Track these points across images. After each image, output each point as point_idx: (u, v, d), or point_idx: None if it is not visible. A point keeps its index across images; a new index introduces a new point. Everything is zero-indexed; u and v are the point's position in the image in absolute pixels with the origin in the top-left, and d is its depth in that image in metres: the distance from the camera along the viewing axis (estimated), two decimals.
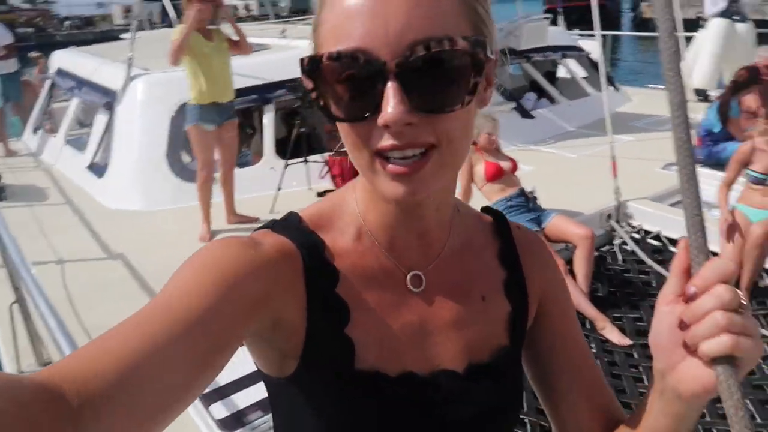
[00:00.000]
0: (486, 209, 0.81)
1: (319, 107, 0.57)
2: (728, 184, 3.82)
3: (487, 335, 0.72)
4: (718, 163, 5.15)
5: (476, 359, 0.70)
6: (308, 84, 0.57)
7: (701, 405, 0.59)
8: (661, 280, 3.81)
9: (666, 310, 0.56)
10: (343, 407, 0.65)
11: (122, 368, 0.46)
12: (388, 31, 0.52)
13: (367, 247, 0.68)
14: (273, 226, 0.67)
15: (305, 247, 0.64)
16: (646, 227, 4.40)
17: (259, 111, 6.19)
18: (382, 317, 0.67)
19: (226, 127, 4.40)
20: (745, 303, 0.51)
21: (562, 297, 0.81)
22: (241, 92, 5.49)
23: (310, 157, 5.12)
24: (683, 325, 0.54)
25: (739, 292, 0.52)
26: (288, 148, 5.01)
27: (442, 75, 0.54)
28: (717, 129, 5.34)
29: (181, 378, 0.51)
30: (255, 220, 4.66)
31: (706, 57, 7.21)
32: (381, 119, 0.53)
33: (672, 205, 4.75)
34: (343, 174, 5.17)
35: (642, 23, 30.91)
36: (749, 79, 5.33)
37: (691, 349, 0.54)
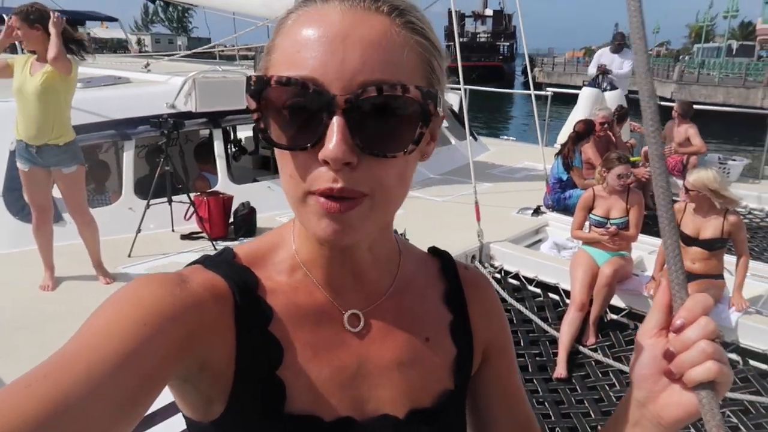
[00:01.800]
0: (433, 249, 0.79)
1: (259, 130, 0.55)
2: (578, 228, 4.20)
3: (429, 378, 0.69)
4: (566, 209, 5.69)
5: (417, 404, 0.67)
6: (251, 104, 0.54)
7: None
8: (521, 316, 4.07)
9: (649, 343, 0.60)
10: None
11: (24, 430, 0.43)
12: (343, 67, 0.51)
13: (302, 284, 0.65)
14: (204, 261, 0.64)
15: (237, 284, 0.61)
16: (506, 267, 4.68)
17: (118, 147, 5.79)
18: (318, 358, 0.63)
19: (56, 173, 3.80)
20: (721, 334, 0.56)
21: (507, 343, 0.79)
22: (97, 127, 5.12)
23: (175, 198, 4.84)
24: (668, 355, 0.57)
25: (715, 323, 0.57)
26: (150, 188, 4.70)
27: (389, 119, 0.53)
28: (565, 177, 5.91)
29: (97, 430, 0.47)
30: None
31: (571, 118, 8.03)
32: (321, 154, 0.52)
33: (528, 246, 5.13)
34: (211, 216, 4.96)
35: (537, 86, 35.28)
36: (585, 131, 6.00)
37: (674, 377, 0.57)
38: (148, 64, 7.02)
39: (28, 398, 0.44)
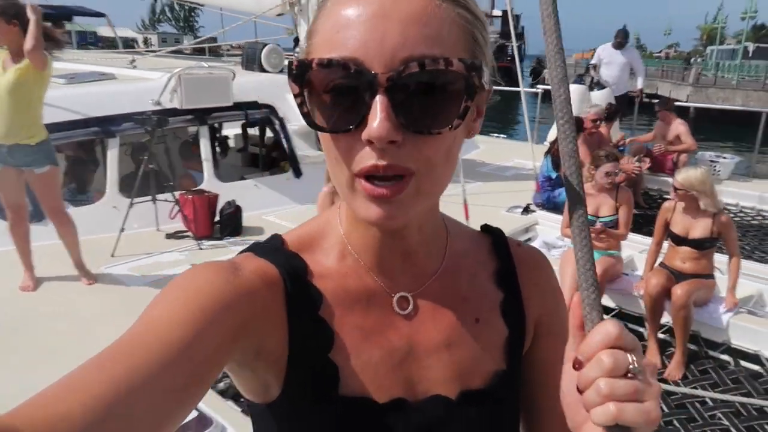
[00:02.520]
0: (485, 227, 0.77)
1: (303, 115, 0.55)
2: (568, 226, 4.15)
3: (481, 359, 0.68)
4: (556, 207, 5.65)
5: (469, 384, 0.67)
6: (294, 89, 0.54)
7: None
8: None
9: (567, 372, 0.55)
10: None
11: (95, 409, 0.44)
12: (383, 45, 0.51)
13: (352, 269, 0.65)
14: (255, 249, 0.65)
15: (287, 270, 0.62)
16: None
17: (102, 144, 5.69)
18: (368, 341, 0.64)
19: (28, 174, 3.67)
20: (635, 366, 0.48)
21: (559, 324, 0.74)
22: (81, 124, 5.03)
23: (160, 196, 4.76)
24: (578, 390, 0.51)
25: (629, 356, 0.49)
26: (134, 186, 4.61)
27: (433, 95, 0.52)
28: (554, 175, 5.87)
29: (157, 414, 0.48)
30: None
31: None
32: (365, 133, 0.51)
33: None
34: (196, 214, 4.88)
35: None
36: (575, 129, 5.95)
37: None
38: (133, 60, 6.92)
39: (99, 379, 0.46)
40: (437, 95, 0.52)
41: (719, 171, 7.19)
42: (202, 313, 0.53)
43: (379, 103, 0.50)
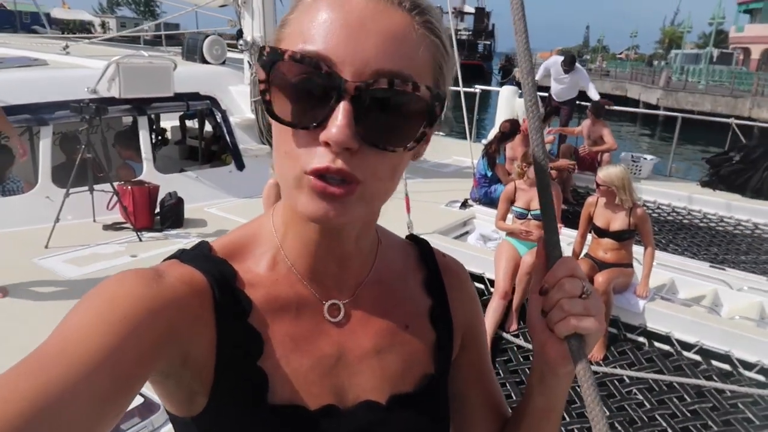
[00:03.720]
0: (411, 237, 0.80)
1: (264, 102, 0.55)
2: (502, 219, 4.40)
3: (410, 364, 0.70)
4: (492, 202, 5.91)
5: (399, 389, 0.68)
6: (261, 74, 0.54)
7: (567, 376, 0.67)
8: None
9: (533, 301, 0.66)
10: None
11: (11, 428, 0.43)
12: (357, 53, 0.51)
13: (283, 275, 0.65)
14: (180, 255, 0.63)
15: (215, 277, 0.61)
16: None
17: (31, 133, 5.47)
18: (298, 348, 0.64)
19: None
20: (586, 289, 0.62)
21: (481, 328, 0.82)
22: (9, 111, 4.82)
23: (97, 186, 4.66)
24: (544, 313, 0.64)
25: (582, 282, 0.63)
26: (70, 176, 4.49)
27: (395, 114, 0.53)
28: (490, 173, 6.13)
29: (79, 428, 0.47)
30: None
31: (497, 117, 8.29)
32: (324, 135, 0.52)
33: (456, 237, 5.30)
34: (135, 205, 4.81)
35: (517, 85, 36.69)
36: (511, 130, 6.26)
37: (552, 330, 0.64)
38: (67, 47, 6.67)
39: (9, 395, 0.44)
40: (399, 115, 0.54)
41: (640, 170, 7.70)
42: (123, 321, 0.52)
43: (342, 108, 0.51)
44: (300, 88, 0.53)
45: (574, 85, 8.11)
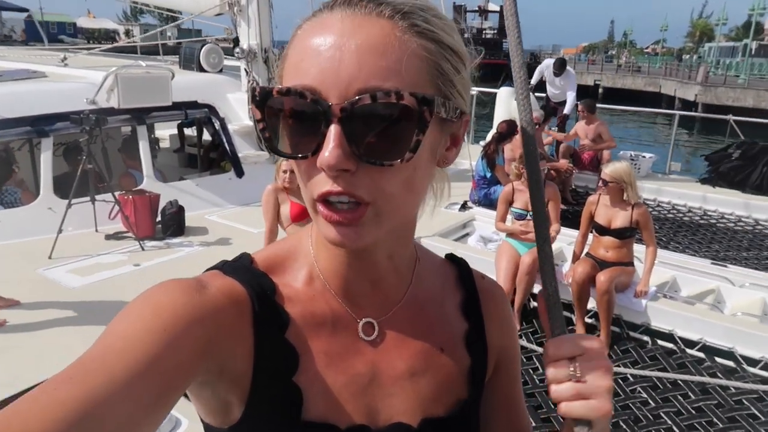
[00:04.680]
0: (450, 257, 0.79)
1: (264, 140, 0.57)
2: (501, 220, 4.41)
3: (444, 388, 0.69)
4: (491, 204, 5.92)
5: (431, 413, 0.67)
6: (257, 114, 0.56)
7: None
8: None
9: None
10: None
11: (51, 431, 0.43)
12: (339, 75, 0.52)
13: (319, 292, 0.66)
14: (223, 267, 0.64)
15: (255, 290, 0.61)
16: None
17: (32, 145, 5.50)
18: (332, 366, 0.64)
19: None
20: (574, 373, 0.61)
21: (516, 354, 0.81)
22: (9, 123, 4.85)
23: (98, 197, 4.67)
24: None
25: (571, 365, 0.61)
26: (72, 187, 4.51)
27: (383, 128, 0.53)
28: (489, 174, 6.15)
29: None
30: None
31: (495, 118, 8.31)
32: (319, 161, 0.52)
33: (456, 240, 5.32)
34: (137, 214, 4.83)
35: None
36: (508, 131, 6.27)
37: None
38: (65, 58, 6.70)
39: (54, 401, 0.45)
40: (389, 128, 0.53)
41: (638, 168, 7.71)
42: (164, 331, 0.53)
43: (332, 132, 0.51)
44: (292, 120, 0.54)
45: (563, 89, 8.21)
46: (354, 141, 0.52)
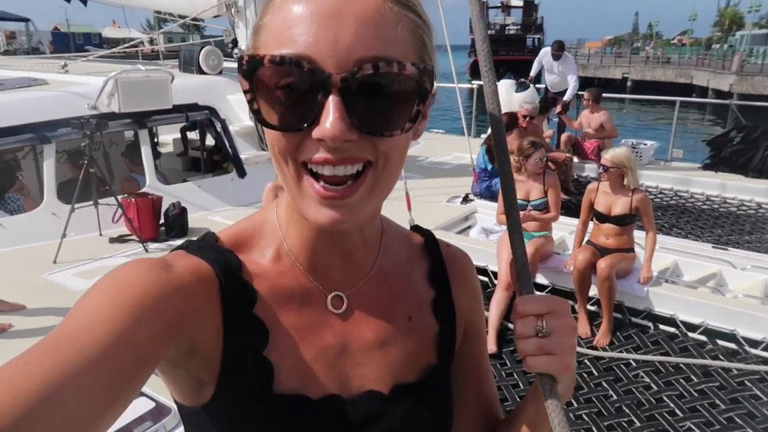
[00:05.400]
0: (416, 228, 0.80)
1: (253, 111, 0.54)
2: (502, 212, 4.41)
3: (413, 355, 0.70)
4: (493, 196, 5.93)
5: (402, 379, 0.69)
6: (244, 85, 0.54)
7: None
8: None
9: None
10: None
11: (26, 404, 0.44)
12: (337, 44, 0.50)
13: (287, 267, 0.66)
14: (188, 246, 0.64)
15: (221, 267, 0.62)
16: None
17: (35, 151, 5.56)
18: (303, 339, 0.64)
19: None
20: (542, 329, 0.63)
21: (482, 323, 0.82)
22: (12, 131, 4.91)
23: (101, 200, 4.72)
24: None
25: (539, 321, 0.64)
26: (75, 191, 4.56)
27: (386, 97, 0.53)
28: (490, 167, 6.16)
29: (88, 412, 0.48)
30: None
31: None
32: (317, 132, 0.51)
33: (458, 232, 5.33)
34: (140, 217, 4.88)
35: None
36: (509, 123, 6.28)
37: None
38: (65, 65, 6.76)
39: (26, 375, 0.46)
40: (390, 98, 0.53)
41: (640, 155, 7.70)
42: (132, 308, 0.52)
43: (332, 103, 0.50)
44: (285, 90, 0.52)
45: (562, 75, 8.11)
46: (355, 112, 0.51)
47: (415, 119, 0.55)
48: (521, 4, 52.52)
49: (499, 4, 53.73)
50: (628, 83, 33.53)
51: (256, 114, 0.54)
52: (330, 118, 0.50)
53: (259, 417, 0.61)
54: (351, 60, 0.50)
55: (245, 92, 0.54)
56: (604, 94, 7.87)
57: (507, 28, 50.76)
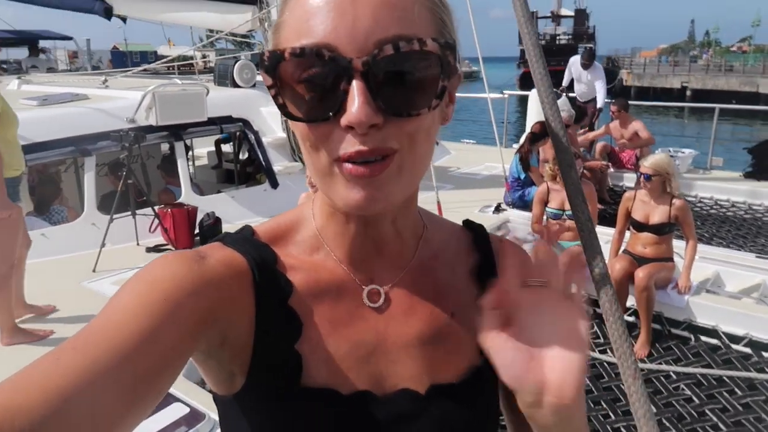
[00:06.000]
0: (467, 222, 0.77)
1: (279, 106, 0.55)
2: (537, 221, 4.37)
3: (454, 354, 0.67)
4: (526, 205, 5.86)
5: (440, 379, 0.65)
6: (267, 80, 0.54)
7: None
8: None
9: (499, 342, 0.56)
10: (289, 426, 0.61)
11: (55, 400, 0.44)
12: (355, 29, 0.50)
13: (323, 260, 0.66)
14: (223, 239, 0.65)
15: (255, 260, 0.62)
16: None
17: (77, 164, 5.73)
18: (336, 333, 0.63)
19: None
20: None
21: None
22: (56, 144, 5.09)
23: (139, 211, 4.84)
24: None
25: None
26: (114, 202, 4.69)
27: (410, 76, 0.52)
28: (523, 176, 6.10)
29: (122, 404, 0.48)
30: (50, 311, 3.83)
31: (528, 121, 8.24)
32: (345, 119, 0.51)
33: None
34: (176, 227, 4.97)
35: (626, 89, 34.02)
36: (542, 132, 6.21)
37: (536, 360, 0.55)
38: (105, 80, 6.98)
39: (55, 371, 0.46)
40: (414, 76, 0.52)
41: (678, 164, 7.51)
42: (165, 302, 0.53)
43: (356, 88, 0.50)
44: (308, 81, 0.52)
45: (591, 84, 8.01)
46: (379, 94, 0.51)
47: (441, 95, 0.54)
48: (572, 13, 51.07)
49: (549, 14, 52.59)
50: (688, 92, 32.81)
51: (282, 108, 0.54)
52: (355, 104, 0.50)
53: (288, 409, 0.61)
54: (370, 43, 0.50)
55: (269, 88, 0.54)
56: (655, 103, 7.68)
57: (558, 38, 49.32)
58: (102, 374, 0.47)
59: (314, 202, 0.68)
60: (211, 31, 8.51)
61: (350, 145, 0.52)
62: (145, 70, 8.60)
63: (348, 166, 0.53)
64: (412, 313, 0.67)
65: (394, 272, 0.67)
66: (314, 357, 0.62)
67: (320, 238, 0.66)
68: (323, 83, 0.52)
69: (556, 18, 53.30)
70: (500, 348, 0.55)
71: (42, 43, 15.74)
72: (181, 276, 0.56)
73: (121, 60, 21.26)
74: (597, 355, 3.61)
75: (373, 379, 0.64)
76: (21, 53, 15.43)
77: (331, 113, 0.52)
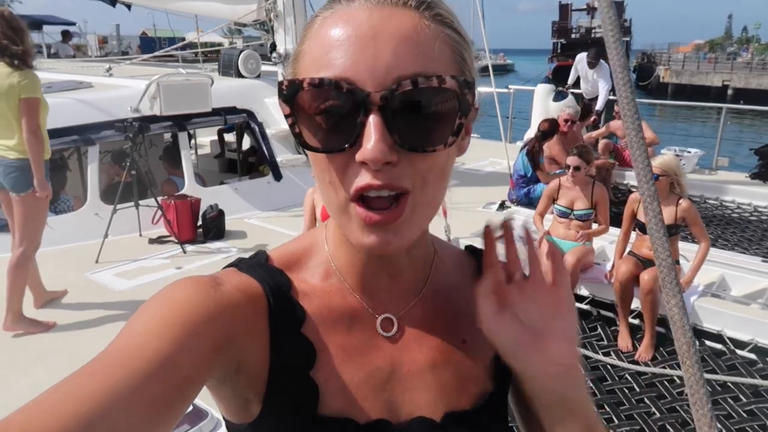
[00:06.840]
0: (470, 248, 0.77)
1: (295, 135, 0.55)
2: (540, 215, 4.35)
3: (467, 380, 0.67)
4: (531, 203, 5.84)
5: (455, 406, 0.66)
6: (285, 109, 0.54)
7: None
8: None
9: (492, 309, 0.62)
10: None
11: (70, 426, 0.44)
12: (375, 64, 0.51)
13: (336, 288, 0.65)
14: (238, 264, 0.65)
15: (270, 286, 0.62)
16: None
17: (80, 153, 5.70)
18: (350, 361, 0.63)
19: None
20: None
21: None
22: (59, 132, 5.05)
23: (142, 202, 4.81)
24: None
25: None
26: (117, 193, 4.66)
27: (427, 113, 0.52)
28: (529, 173, 6.07)
29: (138, 430, 0.48)
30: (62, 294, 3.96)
31: (533, 117, 8.18)
32: (360, 155, 0.51)
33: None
34: (179, 219, 4.95)
35: (663, 86, 33.22)
36: (550, 129, 6.18)
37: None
38: (110, 68, 6.93)
39: (72, 397, 0.46)
40: (431, 113, 0.52)
41: (684, 164, 7.47)
42: (181, 327, 0.53)
43: (372, 123, 0.50)
44: (326, 112, 0.52)
45: (595, 83, 7.95)
46: (396, 130, 0.51)
47: (458, 132, 0.54)
48: None
49: (585, 6, 51.83)
50: (729, 91, 31.34)
51: (298, 138, 0.54)
52: (372, 139, 0.50)
53: None
54: (390, 78, 0.50)
55: (286, 117, 0.54)
56: (644, 101, 7.62)
57: (593, 30, 48.43)
58: (119, 402, 0.47)
59: (327, 227, 0.68)
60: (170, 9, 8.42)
61: (363, 179, 0.52)
62: (150, 59, 8.51)
63: (362, 211, 0.53)
64: (424, 340, 0.67)
65: (407, 300, 0.68)
66: (329, 385, 0.61)
67: (332, 266, 0.66)
68: (340, 115, 0.52)
69: (592, 10, 51.57)
70: (501, 330, 0.61)
71: (71, 29, 15.82)
72: (196, 302, 0.56)
73: (150, 46, 21.34)
74: (600, 357, 3.60)
75: (388, 408, 0.64)
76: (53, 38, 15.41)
77: (347, 145, 0.52)
